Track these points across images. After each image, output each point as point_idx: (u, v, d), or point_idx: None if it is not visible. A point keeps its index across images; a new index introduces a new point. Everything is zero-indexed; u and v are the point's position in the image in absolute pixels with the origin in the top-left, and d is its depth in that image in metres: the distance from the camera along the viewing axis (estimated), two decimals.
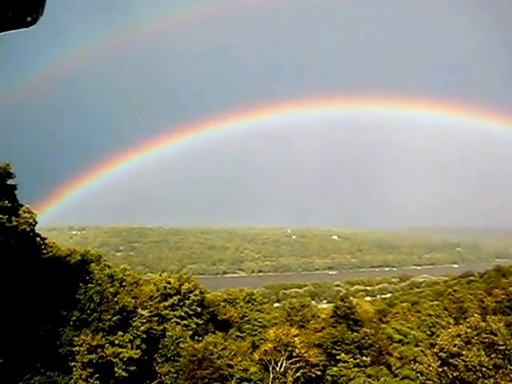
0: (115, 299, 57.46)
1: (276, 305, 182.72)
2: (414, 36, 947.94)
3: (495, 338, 36.57)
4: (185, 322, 73.84)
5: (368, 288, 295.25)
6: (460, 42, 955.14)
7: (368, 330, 73.31)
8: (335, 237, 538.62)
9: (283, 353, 65.54)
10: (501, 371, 35.28)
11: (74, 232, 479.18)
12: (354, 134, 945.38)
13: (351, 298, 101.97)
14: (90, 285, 56.72)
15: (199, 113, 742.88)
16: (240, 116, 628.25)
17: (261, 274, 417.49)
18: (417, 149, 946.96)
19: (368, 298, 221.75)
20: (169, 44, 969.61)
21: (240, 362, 65.32)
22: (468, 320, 39.18)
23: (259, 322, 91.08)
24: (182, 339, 67.82)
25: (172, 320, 72.94)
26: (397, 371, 74.02)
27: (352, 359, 68.79)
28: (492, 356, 36.01)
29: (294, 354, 65.77)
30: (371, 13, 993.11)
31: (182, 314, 74.41)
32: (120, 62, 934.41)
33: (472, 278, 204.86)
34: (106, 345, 54.45)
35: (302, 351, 66.06)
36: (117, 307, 56.63)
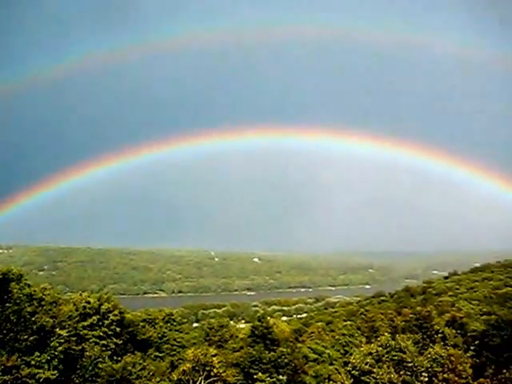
0: (33, 319, 55.26)
1: (195, 325, 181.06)
2: (347, 65, 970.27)
3: (404, 356, 37.50)
4: (104, 342, 71.75)
5: (285, 308, 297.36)
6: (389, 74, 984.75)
7: (284, 349, 73.48)
8: (256, 259, 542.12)
9: (201, 372, 64.70)
10: None
11: (0, 251, 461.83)
12: (280, 164, 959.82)
13: (268, 317, 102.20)
14: (7, 304, 54.40)
15: (124, 141, 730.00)
16: (166, 143, 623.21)
17: (181, 294, 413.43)
18: (338, 180, 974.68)
19: (285, 318, 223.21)
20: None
21: (158, 382, 64.00)
22: (379, 339, 40.04)
23: (178, 342, 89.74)
24: (100, 359, 65.84)
25: (91, 340, 70.73)
26: None
27: (269, 378, 68.71)
28: (401, 373, 36.86)
29: (212, 374, 65.06)
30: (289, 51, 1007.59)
31: (101, 333, 72.32)
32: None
33: (383, 297, 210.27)
34: (22, 365, 52.12)
35: (220, 371, 65.44)
36: (34, 327, 54.43)
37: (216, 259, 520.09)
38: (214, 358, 65.79)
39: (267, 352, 71.08)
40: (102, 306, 73.79)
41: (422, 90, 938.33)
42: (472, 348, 54.95)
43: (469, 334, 64.35)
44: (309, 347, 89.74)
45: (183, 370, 64.86)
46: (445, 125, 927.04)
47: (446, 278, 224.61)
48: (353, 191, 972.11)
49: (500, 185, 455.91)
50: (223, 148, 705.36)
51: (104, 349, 69.88)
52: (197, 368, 64.30)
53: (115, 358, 68.73)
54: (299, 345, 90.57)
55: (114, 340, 72.93)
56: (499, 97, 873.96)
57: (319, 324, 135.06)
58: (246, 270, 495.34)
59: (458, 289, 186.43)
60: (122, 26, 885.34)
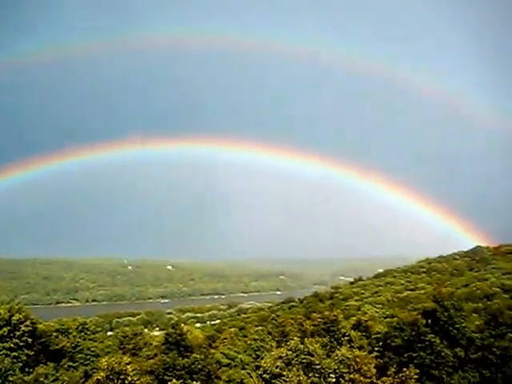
0: None
1: (109, 333, 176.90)
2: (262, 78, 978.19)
3: (312, 359, 38.45)
4: (15, 353, 69.01)
5: (198, 315, 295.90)
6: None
7: (198, 356, 73.37)
8: (170, 267, 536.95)
9: (116, 381, 63.58)
10: None
11: None
12: (193, 173, 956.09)
13: (182, 325, 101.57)
14: None
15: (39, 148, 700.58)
16: (76, 152, 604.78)
17: (95, 303, 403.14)
18: (251, 191, 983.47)
19: (198, 325, 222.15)
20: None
21: None
22: (288, 343, 40.85)
23: (92, 351, 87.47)
24: (11, 372, 63.39)
25: (1, 352, 68.03)
26: None
27: None
28: (310, 375, 37.76)
29: (127, 382, 64.08)
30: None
31: (12, 345, 69.53)
32: None
33: (293, 303, 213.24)
34: None
35: (135, 378, 64.55)
36: None
37: (129, 267, 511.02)
38: (128, 366, 64.81)
39: (181, 358, 70.71)
40: (13, 317, 70.98)
41: (330, 103, 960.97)
42: (376, 349, 56.95)
43: (373, 336, 66.58)
44: (222, 353, 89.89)
45: (97, 379, 63.52)
46: (351, 138, 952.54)
47: (352, 283, 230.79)
48: (265, 201, 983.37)
49: (400, 195, 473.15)
50: (133, 157, 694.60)
51: (15, 361, 67.25)
52: (111, 377, 63.12)
53: (27, 369, 66.30)
54: (212, 351, 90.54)
55: (26, 351, 70.29)
56: (403, 111, 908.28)
57: (232, 330, 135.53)
58: (160, 277, 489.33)
59: (363, 293, 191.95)
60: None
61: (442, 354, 48.27)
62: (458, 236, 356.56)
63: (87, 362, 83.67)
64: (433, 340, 48.96)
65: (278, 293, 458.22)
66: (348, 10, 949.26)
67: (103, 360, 66.46)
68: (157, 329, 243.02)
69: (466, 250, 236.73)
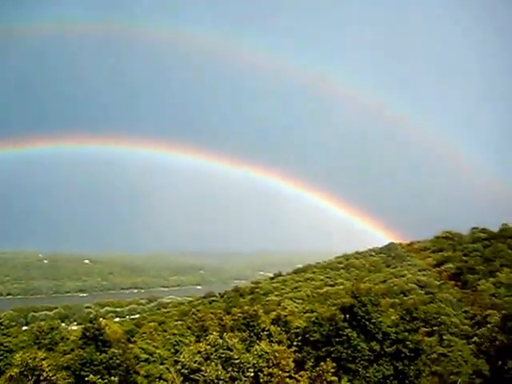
0: None
1: (24, 328, 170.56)
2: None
3: (231, 353, 38.10)
4: None
5: (118, 309, 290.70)
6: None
7: (116, 351, 71.72)
8: (87, 261, 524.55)
9: (30, 377, 61.29)
10: (236, 382, 36.83)
11: None
12: (111, 169, 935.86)
13: (101, 319, 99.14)
14: None
15: None
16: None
17: (10, 297, 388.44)
18: (169, 185, 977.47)
19: (117, 319, 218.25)
20: None
21: None
22: (208, 338, 40.35)
23: (5, 347, 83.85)
24: None
25: None
26: None
27: (100, 380, 66.55)
28: (228, 369, 37.40)
29: (42, 378, 61.90)
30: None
31: None
32: None
33: (213, 298, 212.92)
34: None
35: (50, 374, 62.42)
36: None
37: (45, 261, 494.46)
38: (44, 362, 62.52)
39: (99, 354, 68.84)
40: None
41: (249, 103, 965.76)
42: (295, 344, 57.34)
43: (292, 331, 67.04)
44: (140, 347, 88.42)
45: (10, 375, 60.92)
46: (272, 138, 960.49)
47: (272, 278, 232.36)
48: (185, 196, 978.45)
49: (317, 193, 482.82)
50: (52, 153, 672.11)
51: None
52: (25, 373, 60.65)
53: None
54: (131, 345, 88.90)
55: None
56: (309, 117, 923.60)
57: (151, 324, 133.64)
58: (78, 271, 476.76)
59: (283, 289, 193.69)
60: None
61: (359, 347, 49.09)
62: (371, 232, 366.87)
63: (0, 357, 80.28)
64: (350, 334, 49.70)
65: (199, 287, 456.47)
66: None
67: (17, 355, 63.77)
68: (74, 323, 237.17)
69: (380, 246, 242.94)
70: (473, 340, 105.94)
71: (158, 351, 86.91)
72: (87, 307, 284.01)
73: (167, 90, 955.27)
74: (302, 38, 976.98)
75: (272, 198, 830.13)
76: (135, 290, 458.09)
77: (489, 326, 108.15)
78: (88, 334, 73.78)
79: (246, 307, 73.30)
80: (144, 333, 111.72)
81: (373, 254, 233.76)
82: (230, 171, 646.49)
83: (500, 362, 70.11)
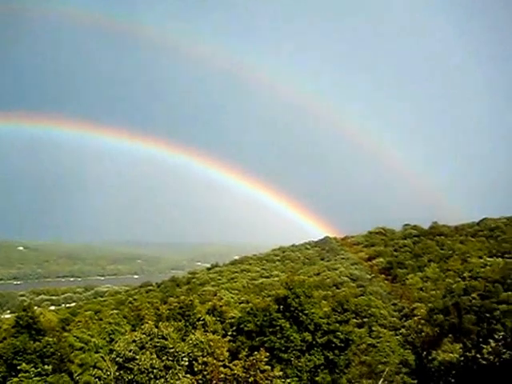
0: None
1: None
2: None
3: (166, 342, 37.99)
4: None
5: (53, 297, 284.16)
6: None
7: (50, 339, 70.21)
8: (21, 248, 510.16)
9: None
10: (170, 371, 36.79)
11: None
12: (46, 153, 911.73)
13: (35, 307, 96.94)
14: None
15: None
16: None
17: None
18: (109, 173, 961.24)
19: (53, 308, 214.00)
20: None
21: None
22: (143, 326, 40.09)
23: None
24: None
25: None
26: (77, 378, 72.05)
27: (33, 368, 65.06)
28: (163, 358, 37.27)
29: None
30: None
31: None
32: None
33: (150, 287, 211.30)
34: None
35: None
36: None
37: None
38: None
39: (32, 342, 67.24)
40: None
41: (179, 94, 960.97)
42: (229, 333, 57.67)
43: (227, 321, 67.45)
44: (75, 336, 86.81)
45: None
46: (207, 129, 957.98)
47: (209, 269, 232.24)
48: (124, 185, 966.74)
49: (256, 186, 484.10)
50: None
51: None
52: None
53: None
54: (65, 334, 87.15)
55: None
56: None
57: (87, 313, 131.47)
58: (11, 258, 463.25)
59: (219, 279, 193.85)
60: None
61: (291, 338, 49.76)
62: (308, 226, 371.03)
63: None
64: (283, 325, 50.30)
65: (136, 276, 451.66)
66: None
67: None
68: (8, 311, 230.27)
69: (315, 240, 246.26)
70: (400, 331, 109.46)
71: (93, 340, 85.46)
72: (21, 295, 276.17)
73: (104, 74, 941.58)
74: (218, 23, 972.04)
75: (210, 188, 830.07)
76: (71, 279, 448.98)
77: (416, 318, 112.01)
78: (21, 322, 71.99)
79: (182, 297, 73.43)
80: (79, 321, 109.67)
81: (308, 247, 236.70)
82: (167, 158, 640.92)
83: (425, 353, 72.65)
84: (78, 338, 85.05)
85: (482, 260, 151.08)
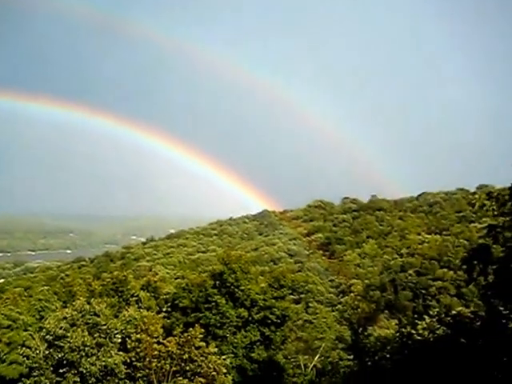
0: None
1: None
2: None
3: (98, 319, 37.95)
4: None
5: None
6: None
7: None
8: None
9: None
10: (102, 349, 36.84)
11: None
12: None
13: None
14: None
15: None
16: None
17: None
18: (38, 142, 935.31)
19: None
20: None
21: None
22: (74, 303, 39.87)
23: None
24: None
25: None
26: (4, 357, 71.00)
27: None
28: (95, 335, 37.26)
29: None
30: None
31: None
32: None
33: (83, 263, 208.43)
34: None
35: None
36: None
37: None
38: None
39: None
40: None
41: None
42: (164, 310, 58.05)
43: (162, 297, 67.74)
44: (3, 314, 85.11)
45: None
46: (140, 100, 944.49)
47: (144, 243, 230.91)
48: (51, 155, 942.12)
49: (192, 158, 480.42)
50: None
51: None
52: None
53: None
54: None
55: None
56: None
57: (16, 290, 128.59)
58: None
59: (155, 254, 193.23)
60: None
61: (227, 314, 50.52)
62: (246, 199, 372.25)
63: None
64: (219, 301, 50.93)
65: (68, 251, 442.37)
66: None
67: None
68: None
69: (254, 213, 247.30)
70: (337, 308, 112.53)
71: (21, 317, 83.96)
72: None
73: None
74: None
75: (144, 158, 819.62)
76: (0, 254, 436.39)
77: (352, 294, 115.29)
78: None
79: (115, 272, 72.81)
80: (8, 298, 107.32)
81: (246, 221, 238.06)
82: (89, 123, 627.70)
83: (361, 329, 74.96)
84: (5, 315, 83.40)
85: (419, 237, 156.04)
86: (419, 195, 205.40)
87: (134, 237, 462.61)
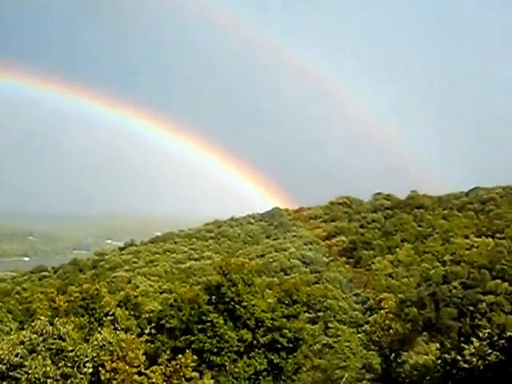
0: None
1: None
2: None
3: (64, 344, 37.72)
4: None
5: None
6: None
7: None
8: None
9: None
10: (69, 381, 36.69)
11: None
12: None
13: None
14: None
15: None
16: None
17: None
18: None
19: None
20: None
21: None
22: (34, 324, 39.71)
23: None
24: None
25: None
26: None
27: None
28: (60, 364, 37.08)
29: None
30: None
31: None
32: None
33: (45, 273, 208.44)
34: None
35: None
36: None
37: None
38: None
39: None
40: None
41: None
42: (147, 332, 57.97)
43: (144, 316, 67.66)
44: None
45: None
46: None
47: (122, 248, 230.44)
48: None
49: (184, 141, 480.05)
50: None
51: None
52: None
53: None
54: None
55: None
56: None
57: None
58: None
59: (135, 262, 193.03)
60: None
61: (226, 337, 50.35)
62: (252, 194, 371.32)
63: None
64: (215, 320, 50.78)
65: (26, 259, 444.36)
66: None
67: None
68: None
69: (261, 212, 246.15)
70: (363, 328, 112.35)
71: None
72: None
73: None
74: None
75: (123, 143, 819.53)
76: None
77: (383, 312, 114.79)
78: None
79: (85, 285, 72.67)
80: None
81: (251, 221, 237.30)
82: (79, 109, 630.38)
83: (394, 355, 74.81)
84: None
85: (467, 240, 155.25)
86: (470, 190, 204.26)
87: (110, 241, 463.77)
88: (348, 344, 76.19)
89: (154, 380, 36.58)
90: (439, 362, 56.05)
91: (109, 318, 60.58)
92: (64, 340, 38.16)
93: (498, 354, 46.17)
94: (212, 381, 39.15)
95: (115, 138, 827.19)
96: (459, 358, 49.95)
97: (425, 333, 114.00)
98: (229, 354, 50.50)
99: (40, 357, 36.47)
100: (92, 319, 59.45)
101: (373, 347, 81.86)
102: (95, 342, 41.48)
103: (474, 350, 48.72)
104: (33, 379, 35.65)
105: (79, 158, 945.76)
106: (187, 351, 38.87)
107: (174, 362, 37.43)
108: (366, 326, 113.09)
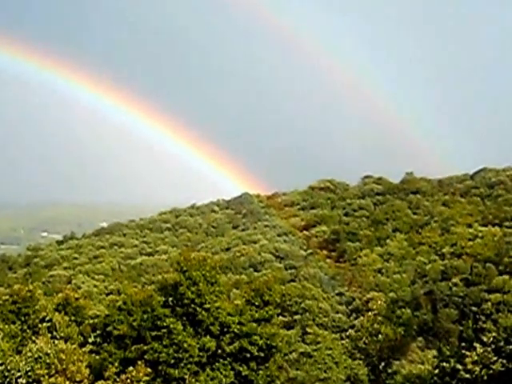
0: None
1: None
2: None
3: None
4: None
5: None
6: None
7: None
8: None
9: None
10: None
11: None
12: None
13: None
14: None
15: None
16: None
17: None
18: None
19: None
20: None
21: None
22: None
23: None
24: None
25: None
26: None
27: None
28: None
29: None
30: None
31: None
32: None
33: None
34: None
35: None
36: None
37: None
38: None
39: None
40: None
41: None
42: (91, 341, 58.01)
43: (87, 322, 67.70)
44: None
45: None
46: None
47: (61, 242, 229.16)
48: None
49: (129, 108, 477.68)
50: None
51: None
52: None
53: None
54: None
55: None
56: None
57: None
58: None
59: (76, 258, 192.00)
60: None
61: (185, 345, 50.61)
62: (217, 178, 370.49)
63: None
64: (173, 326, 51.01)
65: None
66: None
67: None
68: None
69: (228, 198, 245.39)
70: (348, 333, 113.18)
71: None
72: None
73: None
74: None
75: (58, 109, 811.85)
76: None
77: (370, 313, 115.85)
78: None
79: (16, 286, 72.56)
80: None
81: (215, 209, 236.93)
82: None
83: (383, 364, 75.76)
84: None
85: (471, 229, 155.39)
86: (476, 172, 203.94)
87: (45, 233, 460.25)
88: (330, 352, 76.76)
89: None
90: (436, 371, 56.93)
91: (45, 324, 60.55)
92: None
93: (504, 361, 46.77)
94: None
95: (61, 113, 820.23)
96: (460, 366, 50.66)
97: (420, 338, 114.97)
98: (189, 366, 50.78)
99: None
100: (25, 326, 59.37)
101: (359, 355, 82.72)
102: (29, 354, 41.55)
103: (476, 358, 49.41)
104: None
105: (14, 137, 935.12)
106: (139, 363, 39.20)
107: (123, 376, 37.74)
108: (351, 331, 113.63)
